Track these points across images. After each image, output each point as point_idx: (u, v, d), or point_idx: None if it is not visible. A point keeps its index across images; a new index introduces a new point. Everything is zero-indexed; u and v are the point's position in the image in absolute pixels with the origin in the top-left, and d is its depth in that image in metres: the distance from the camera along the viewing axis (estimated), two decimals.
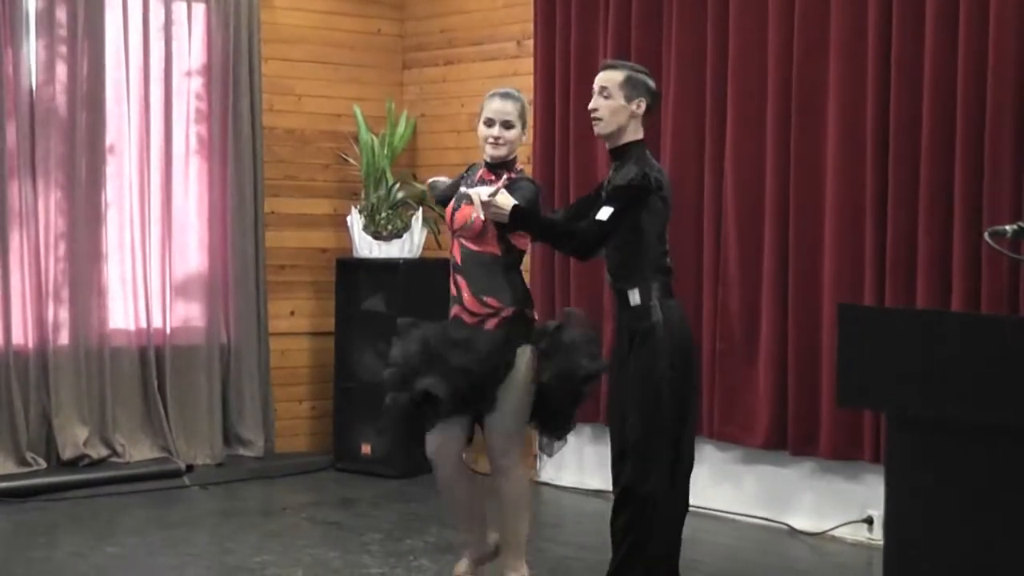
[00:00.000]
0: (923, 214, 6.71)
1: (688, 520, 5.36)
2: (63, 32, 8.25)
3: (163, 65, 8.53)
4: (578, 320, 5.66)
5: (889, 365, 3.38)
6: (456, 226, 5.46)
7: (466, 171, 5.69)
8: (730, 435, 7.51)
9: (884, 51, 6.97)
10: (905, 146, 6.86)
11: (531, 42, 8.46)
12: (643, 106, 5.20)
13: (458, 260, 5.42)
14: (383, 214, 8.79)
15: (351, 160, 9.20)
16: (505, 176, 5.44)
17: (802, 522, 7.17)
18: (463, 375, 5.27)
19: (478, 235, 5.39)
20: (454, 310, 5.41)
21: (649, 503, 5.13)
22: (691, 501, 5.41)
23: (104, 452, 8.30)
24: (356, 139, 9.07)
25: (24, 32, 8.07)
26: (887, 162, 6.90)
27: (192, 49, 8.65)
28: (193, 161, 8.76)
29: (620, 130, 5.14)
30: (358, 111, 9.01)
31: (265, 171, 8.89)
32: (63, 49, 8.25)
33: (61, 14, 8.19)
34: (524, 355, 5.33)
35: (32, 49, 8.12)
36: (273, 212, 8.96)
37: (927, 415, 3.33)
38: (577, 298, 8.04)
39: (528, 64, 8.44)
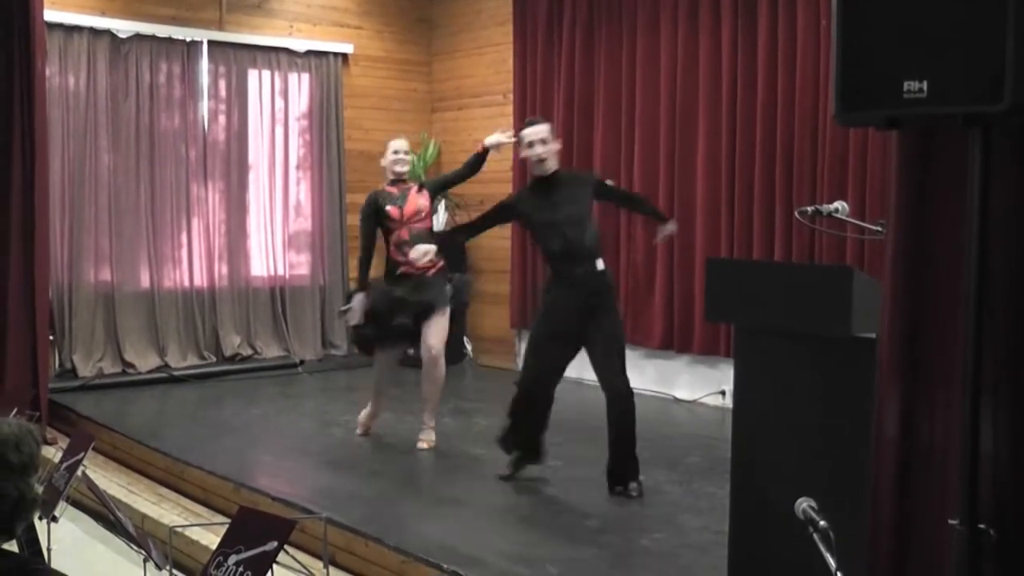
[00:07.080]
0: (757, 200, 7.23)
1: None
2: (223, 94, 8.87)
3: (283, 112, 9.16)
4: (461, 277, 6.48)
5: (735, 295, 3.66)
6: (407, 217, 6.11)
7: (386, 192, 6.22)
8: (638, 340, 8.00)
9: (732, 97, 7.41)
10: (744, 158, 7.34)
11: (512, 95, 9.07)
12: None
13: (406, 237, 6.06)
14: None
15: None
16: (412, 185, 6.29)
17: (682, 394, 7.80)
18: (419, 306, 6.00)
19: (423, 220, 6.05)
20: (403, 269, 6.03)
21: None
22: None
23: (250, 351, 8.96)
24: None
25: (200, 95, 8.75)
26: (734, 168, 7.38)
27: (301, 101, 9.27)
28: (302, 171, 9.34)
29: (554, 163, 5.34)
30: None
31: (346, 176, 9.44)
32: (223, 105, 8.86)
33: (222, 83, 8.86)
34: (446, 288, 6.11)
35: (205, 104, 8.78)
36: (351, 202, 9.39)
37: (757, 326, 3.61)
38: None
39: (509, 109, 9.07)
